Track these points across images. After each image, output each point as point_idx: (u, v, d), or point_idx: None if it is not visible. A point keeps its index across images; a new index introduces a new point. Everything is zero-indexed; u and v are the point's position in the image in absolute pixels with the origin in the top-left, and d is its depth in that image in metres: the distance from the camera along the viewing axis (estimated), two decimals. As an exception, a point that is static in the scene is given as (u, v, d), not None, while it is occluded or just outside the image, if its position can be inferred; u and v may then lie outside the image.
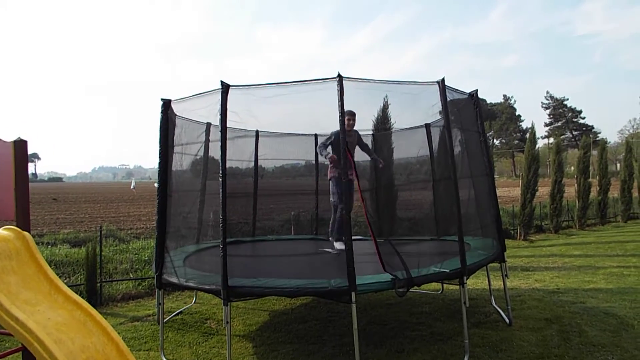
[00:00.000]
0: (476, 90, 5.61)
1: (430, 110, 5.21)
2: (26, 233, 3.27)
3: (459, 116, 5.47)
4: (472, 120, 5.69)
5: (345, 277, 3.98)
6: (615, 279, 7.79)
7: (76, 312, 3.06)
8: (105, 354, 2.93)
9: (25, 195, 3.45)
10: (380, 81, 4.49)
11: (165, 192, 5.25)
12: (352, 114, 6.17)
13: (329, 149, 6.16)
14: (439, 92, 4.58)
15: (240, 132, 7.10)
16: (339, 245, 6.24)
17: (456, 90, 5.13)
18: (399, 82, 4.61)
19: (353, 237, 4.20)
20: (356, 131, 6.47)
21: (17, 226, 3.33)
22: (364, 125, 7.57)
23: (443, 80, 4.57)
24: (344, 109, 4.16)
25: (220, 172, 4.23)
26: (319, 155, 6.82)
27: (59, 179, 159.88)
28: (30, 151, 3.61)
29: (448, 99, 4.67)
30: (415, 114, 6.32)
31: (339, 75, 4.14)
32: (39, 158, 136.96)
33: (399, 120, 7.32)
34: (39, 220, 17.87)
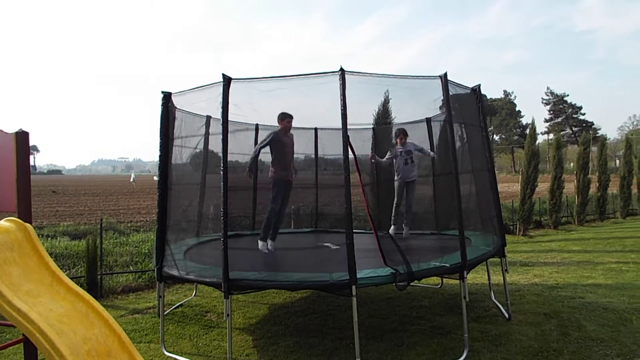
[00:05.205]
0: (479, 85, 5.59)
1: (432, 105, 5.21)
2: (28, 224, 3.26)
3: (460, 111, 5.46)
4: (474, 115, 5.68)
5: (346, 270, 3.99)
6: (614, 274, 7.81)
7: (78, 304, 3.06)
8: (107, 345, 2.94)
9: (27, 187, 3.44)
10: (383, 75, 4.47)
11: (166, 185, 5.25)
12: (291, 116, 5.93)
13: (267, 149, 5.93)
14: (441, 87, 4.58)
15: (241, 126, 7.08)
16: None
17: (459, 85, 5.11)
18: (401, 77, 4.60)
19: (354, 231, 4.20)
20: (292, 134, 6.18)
21: (19, 218, 3.32)
22: (365, 119, 7.57)
23: (446, 74, 4.56)
24: (345, 103, 4.14)
25: (222, 165, 4.23)
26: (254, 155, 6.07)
27: (58, 172, 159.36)
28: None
29: (450, 94, 4.66)
30: (417, 108, 6.30)
31: (342, 69, 4.12)
32: (38, 150, 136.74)
33: (399, 114, 7.31)
34: (39, 213, 17.86)
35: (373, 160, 7.00)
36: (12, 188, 3.39)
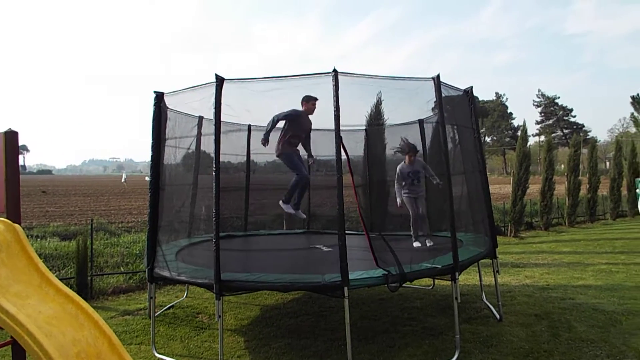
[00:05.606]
0: (471, 87, 5.62)
1: (424, 106, 5.21)
2: (17, 225, 3.22)
3: (453, 112, 5.48)
4: (466, 117, 5.71)
5: (338, 272, 3.99)
6: (604, 275, 7.87)
7: (67, 305, 3.02)
8: (97, 347, 2.91)
9: (16, 187, 3.40)
10: (376, 77, 4.47)
11: (158, 186, 5.22)
12: (316, 98, 5.73)
13: (281, 124, 5.75)
14: (434, 89, 4.59)
15: (233, 126, 7.07)
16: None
17: (451, 87, 5.13)
18: (394, 78, 4.61)
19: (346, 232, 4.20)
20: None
21: (8, 218, 3.28)
22: (357, 121, 7.58)
23: (438, 76, 4.57)
24: (338, 104, 4.14)
25: (214, 166, 4.21)
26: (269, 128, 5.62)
27: (48, 172, 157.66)
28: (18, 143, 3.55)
29: (443, 95, 4.67)
30: (409, 110, 6.30)
31: (335, 70, 4.12)
32: (27, 150, 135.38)
33: (392, 116, 7.31)
34: (28, 213, 17.67)
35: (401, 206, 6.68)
36: (1, 188, 3.35)
